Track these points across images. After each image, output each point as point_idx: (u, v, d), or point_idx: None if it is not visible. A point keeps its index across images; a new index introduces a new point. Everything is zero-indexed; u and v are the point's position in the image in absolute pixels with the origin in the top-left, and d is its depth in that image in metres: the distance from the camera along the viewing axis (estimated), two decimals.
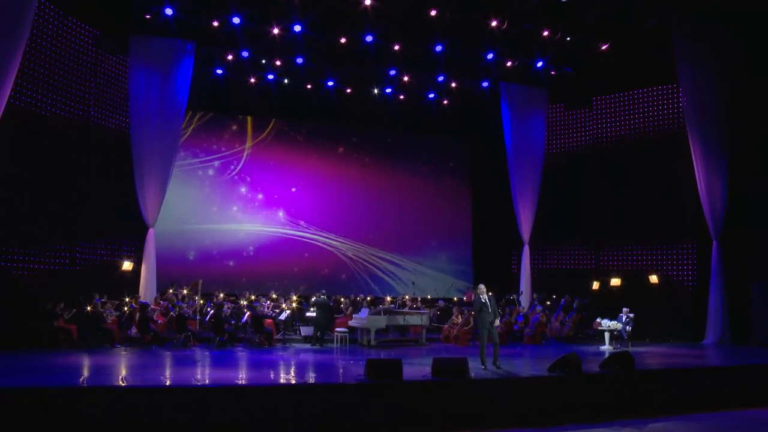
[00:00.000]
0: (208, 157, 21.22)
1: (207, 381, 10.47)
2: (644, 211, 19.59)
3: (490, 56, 19.48)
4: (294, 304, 18.09)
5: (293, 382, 10.32)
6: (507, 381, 10.56)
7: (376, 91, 21.36)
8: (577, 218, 21.06)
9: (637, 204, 19.77)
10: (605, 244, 20.83)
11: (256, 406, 8.95)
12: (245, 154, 21.57)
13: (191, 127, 20.75)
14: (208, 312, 16.35)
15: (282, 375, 11.30)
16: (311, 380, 10.55)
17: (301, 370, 11.85)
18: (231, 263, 21.00)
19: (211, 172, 21.26)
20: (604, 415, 9.97)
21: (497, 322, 16.06)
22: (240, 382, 10.33)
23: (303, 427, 8.98)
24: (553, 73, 20.56)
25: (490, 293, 12.16)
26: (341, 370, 12.02)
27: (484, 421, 9.56)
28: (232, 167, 21.45)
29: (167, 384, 9.85)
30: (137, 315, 15.51)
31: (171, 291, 17.53)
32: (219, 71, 19.69)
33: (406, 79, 20.73)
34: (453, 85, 21.24)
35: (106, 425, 8.38)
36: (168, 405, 8.75)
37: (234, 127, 21.66)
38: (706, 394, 11.03)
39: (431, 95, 21.95)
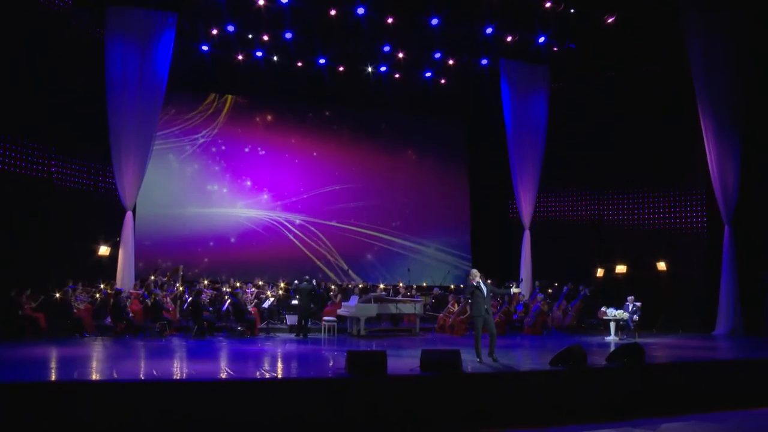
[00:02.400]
0: (193, 137, 20.16)
1: (173, 374, 9.50)
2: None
3: (489, 30, 18.44)
4: (280, 292, 17.15)
5: (266, 375, 9.36)
6: (504, 375, 9.64)
7: (370, 69, 20.33)
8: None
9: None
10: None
11: (222, 402, 7.99)
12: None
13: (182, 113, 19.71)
14: (187, 299, 15.43)
15: (257, 367, 10.33)
16: (287, 374, 9.61)
17: (279, 363, 10.99)
18: (214, 248, 19.94)
19: (200, 153, 20.30)
20: (611, 414, 9.06)
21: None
22: (200, 375, 9.23)
23: (275, 426, 8.02)
24: (555, 49, 19.48)
25: (489, 281, 11.26)
26: (324, 363, 11.13)
27: (478, 420, 8.64)
28: (218, 149, 20.43)
29: (119, 377, 8.85)
30: (111, 302, 14.62)
31: (153, 278, 16.60)
32: (205, 48, 18.69)
33: (401, 55, 19.72)
34: (450, 62, 20.22)
35: (65, 422, 7.54)
36: (129, 399, 7.87)
37: (222, 108, 20.61)
38: (725, 391, 10.05)
39: (428, 74, 20.92)
